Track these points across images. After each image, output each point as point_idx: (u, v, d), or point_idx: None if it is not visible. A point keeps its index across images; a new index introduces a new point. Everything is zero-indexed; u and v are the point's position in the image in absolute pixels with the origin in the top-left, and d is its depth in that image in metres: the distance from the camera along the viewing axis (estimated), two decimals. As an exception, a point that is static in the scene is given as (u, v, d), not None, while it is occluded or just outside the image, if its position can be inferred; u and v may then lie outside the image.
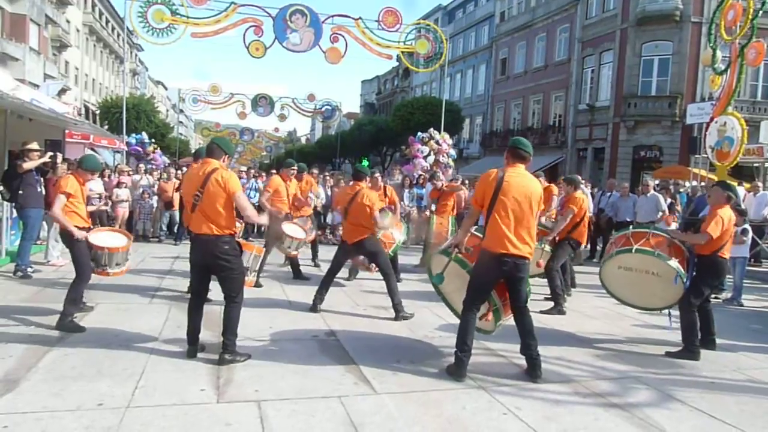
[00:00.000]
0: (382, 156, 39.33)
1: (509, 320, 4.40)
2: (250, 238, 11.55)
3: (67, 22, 36.16)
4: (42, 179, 7.86)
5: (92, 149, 19.74)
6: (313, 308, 5.99)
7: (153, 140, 20.93)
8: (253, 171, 15.55)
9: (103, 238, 5.37)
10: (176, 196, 11.22)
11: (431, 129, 16.29)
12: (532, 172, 4.48)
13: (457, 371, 4.12)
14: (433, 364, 4.44)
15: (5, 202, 7.89)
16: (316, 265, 8.89)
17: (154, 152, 18.95)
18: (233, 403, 3.55)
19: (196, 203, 4.16)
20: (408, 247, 10.80)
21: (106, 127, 28.13)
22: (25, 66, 26.45)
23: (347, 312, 6.11)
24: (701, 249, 5.04)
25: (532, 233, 4.17)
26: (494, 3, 35.07)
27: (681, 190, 13.39)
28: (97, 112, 34.75)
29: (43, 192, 7.74)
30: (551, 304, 6.57)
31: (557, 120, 28.45)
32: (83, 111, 33.05)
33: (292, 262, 7.97)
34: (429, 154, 15.48)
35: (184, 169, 14.10)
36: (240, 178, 10.51)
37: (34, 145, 7.52)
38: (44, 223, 8.20)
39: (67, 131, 12.98)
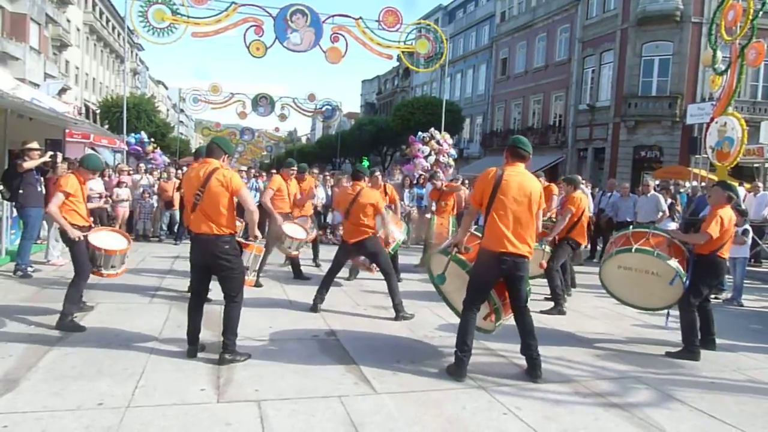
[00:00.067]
0: (382, 156, 39.33)
1: (509, 320, 4.40)
2: (250, 238, 11.53)
3: (68, 21, 36.16)
4: (42, 178, 7.87)
5: (92, 149, 19.73)
6: (314, 308, 6.00)
7: (152, 140, 20.93)
8: (253, 171, 15.55)
9: (103, 238, 5.37)
10: (176, 196, 11.23)
11: (432, 129, 16.29)
12: (532, 172, 4.47)
13: (457, 371, 4.12)
14: (433, 364, 4.44)
15: (5, 202, 7.90)
16: (317, 266, 8.89)
17: (153, 152, 18.96)
18: (233, 402, 3.55)
19: (197, 203, 4.16)
20: (408, 246, 10.81)
21: (107, 126, 28.12)
22: (26, 65, 26.45)
23: (347, 312, 6.12)
24: (700, 248, 5.04)
25: (531, 232, 4.17)
26: (495, 3, 35.07)
27: (681, 190, 13.39)
28: (98, 111, 34.75)
29: (44, 191, 7.74)
30: (551, 304, 6.57)
31: (557, 120, 28.45)
32: (83, 110, 33.04)
33: (293, 261, 7.97)
34: (429, 154, 15.48)
35: (185, 168, 14.10)
36: (240, 177, 10.50)
37: (35, 145, 7.53)
38: (44, 222, 8.20)
39: (67, 131, 12.98)
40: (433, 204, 9.24)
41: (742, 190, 11.57)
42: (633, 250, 5.36)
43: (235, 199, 4.26)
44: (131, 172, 12.78)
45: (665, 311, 5.66)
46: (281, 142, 58.28)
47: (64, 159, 8.90)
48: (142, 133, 20.34)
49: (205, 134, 42.48)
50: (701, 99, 20.42)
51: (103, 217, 10.16)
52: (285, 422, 3.30)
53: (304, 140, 76.19)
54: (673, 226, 9.70)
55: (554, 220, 7.35)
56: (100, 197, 8.79)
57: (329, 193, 12.60)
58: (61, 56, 35.08)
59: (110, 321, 5.27)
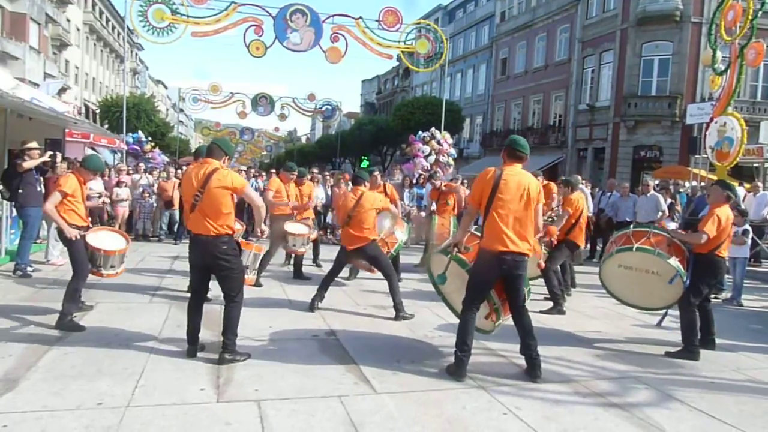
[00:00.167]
0: (382, 156, 39.33)
1: (509, 320, 4.40)
2: (250, 238, 11.55)
3: (68, 21, 36.13)
4: (42, 178, 7.87)
5: (92, 148, 19.73)
6: (311, 307, 6.00)
7: (150, 138, 20.93)
8: (253, 170, 15.55)
9: (102, 239, 5.36)
10: (176, 195, 11.22)
11: (432, 128, 16.28)
12: (532, 171, 4.48)
13: (457, 371, 4.12)
14: (433, 364, 4.44)
15: (5, 201, 7.89)
16: (318, 266, 8.90)
17: (152, 150, 18.96)
18: (233, 402, 3.55)
19: (196, 203, 4.15)
20: (408, 246, 10.81)
21: (107, 126, 28.11)
22: (25, 65, 26.42)
23: (347, 311, 6.12)
24: (699, 248, 5.05)
25: (530, 230, 4.17)
26: (494, 3, 35.07)
27: (681, 190, 13.39)
28: (97, 111, 34.76)
29: (43, 191, 7.74)
30: (551, 304, 6.57)
31: (557, 120, 28.45)
32: (83, 110, 33.03)
33: (296, 261, 8.00)
34: (430, 154, 15.48)
35: (184, 168, 14.09)
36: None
37: (34, 144, 7.52)
38: (44, 222, 8.20)
39: (67, 130, 12.96)
40: (433, 204, 9.24)
41: (741, 190, 11.58)
42: (634, 248, 5.36)
43: (236, 199, 4.26)
44: (131, 172, 12.78)
45: (663, 311, 5.67)
46: (281, 142, 58.24)
47: (64, 158, 8.90)
48: (140, 132, 20.33)
49: (204, 134, 42.44)
50: (701, 99, 20.43)
51: (103, 217, 10.16)
52: (285, 422, 3.30)
53: (303, 140, 76.14)
54: (672, 226, 9.70)
55: (554, 218, 7.35)
56: (100, 197, 8.79)
57: (329, 193, 12.60)
58: (61, 56, 35.06)
59: (110, 320, 5.27)
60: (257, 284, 6.91)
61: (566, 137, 27.23)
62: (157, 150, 20.06)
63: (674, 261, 5.14)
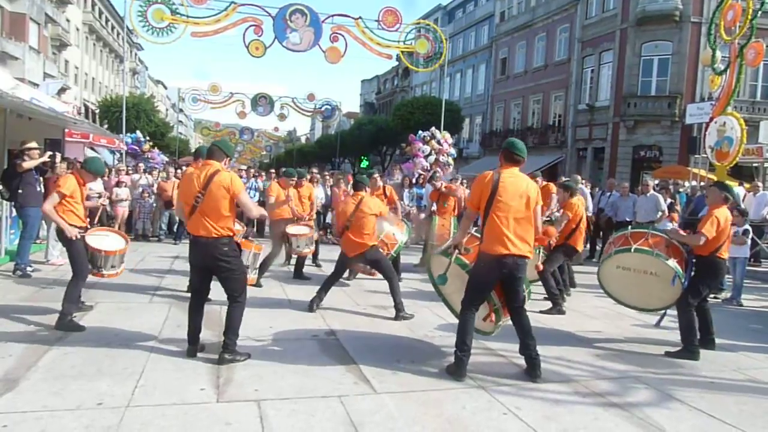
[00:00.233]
0: (381, 155, 39.33)
1: (509, 320, 4.40)
2: (250, 238, 11.54)
3: (67, 21, 36.12)
4: (41, 178, 7.86)
5: (92, 148, 19.72)
6: (310, 308, 5.99)
7: (148, 138, 20.92)
8: (252, 170, 15.55)
9: (101, 239, 5.36)
10: (176, 195, 11.20)
11: (433, 128, 16.27)
12: (531, 171, 4.49)
13: (456, 371, 4.13)
14: (433, 364, 4.45)
15: (5, 201, 7.89)
16: (318, 266, 8.90)
17: (150, 150, 18.95)
18: (233, 402, 3.55)
19: (197, 205, 4.15)
20: (408, 246, 10.80)
21: (106, 126, 28.11)
22: (25, 65, 26.41)
23: (347, 311, 6.12)
24: (699, 249, 5.05)
25: (530, 232, 4.18)
26: (494, 3, 35.07)
27: (680, 190, 13.40)
28: (97, 111, 34.73)
29: (43, 191, 7.74)
30: (550, 304, 6.57)
31: (557, 120, 28.46)
32: (83, 110, 33.03)
33: (297, 261, 8.01)
34: (430, 153, 15.47)
35: (184, 168, 14.09)
36: (240, 177, 10.53)
37: (34, 144, 7.52)
38: (44, 222, 8.20)
39: (66, 130, 12.95)
40: (433, 205, 9.24)
41: (741, 190, 11.59)
42: (632, 249, 5.36)
43: (235, 203, 4.26)
44: (130, 172, 12.77)
45: (662, 311, 5.67)
46: (280, 142, 58.22)
47: (63, 159, 8.90)
48: (138, 132, 20.32)
49: (204, 134, 42.42)
50: (700, 99, 20.43)
51: (102, 217, 10.15)
52: (285, 422, 3.30)
53: (303, 140, 76.12)
54: (672, 226, 9.71)
55: (552, 219, 7.35)
56: (100, 197, 8.79)
57: (328, 193, 12.60)
58: (61, 56, 35.05)
59: (110, 320, 5.27)
60: (257, 284, 6.91)
61: (566, 137, 27.24)
62: (155, 150, 20.03)
63: (672, 262, 5.14)
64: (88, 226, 5.51)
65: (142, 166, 13.96)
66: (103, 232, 5.63)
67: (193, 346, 4.33)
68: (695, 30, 21.86)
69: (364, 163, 39.96)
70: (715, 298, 7.74)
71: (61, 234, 5.17)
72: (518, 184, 4.12)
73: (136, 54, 57.95)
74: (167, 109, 66.24)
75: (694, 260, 5.14)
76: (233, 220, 4.30)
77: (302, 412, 3.43)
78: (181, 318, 4.97)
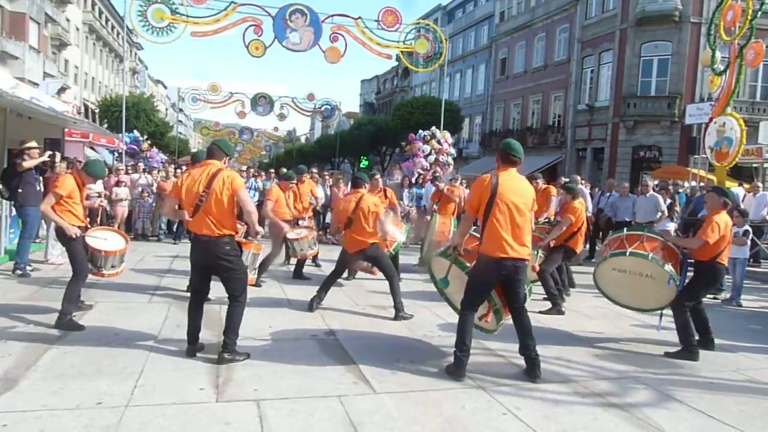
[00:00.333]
0: (381, 155, 39.32)
1: (509, 319, 4.40)
2: (249, 237, 11.54)
3: (67, 20, 36.10)
4: (41, 178, 7.86)
5: (92, 148, 19.71)
6: (310, 307, 5.99)
7: (146, 137, 20.92)
8: (252, 170, 15.55)
9: (101, 239, 5.36)
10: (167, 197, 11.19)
11: (433, 127, 16.28)
12: (530, 172, 4.50)
13: (456, 371, 4.13)
14: (433, 364, 4.45)
15: (4, 201, 7.89)
16: (317, 266, 8.90)
17: (149, 149, 18.93)
18: (232, 402, 3.55)
19: (200, 204, 4.15)
20: (408, 246, 10.81)
21: (106, 125, 28.11)
22: (25, 64, 26.40)
23: (347, 311, 6.12)
24: (700, 255, 5.05)
25: (528, 235, 4.19)
26: (494, 3, 35.07)
27: (680, 190, 13.41)
28: (97, 110, 34.71)
29: (42, 190, 7.73)
30: (550, 304, 6.57)
31: (556, 120, 28.46)
32: (83, 110, 33.01)
33: (298, 261, 8.03)
34: (430, 153, 15.48)
35: (184, 167, 14.10)
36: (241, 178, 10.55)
37: (33, 144, 7.52)
38: (43, 221, 8.19)
39: (66, 130, 12.95)
40: (434, 206, 9.24)
41: (741, 191, 11.60)
42: (627, 253, 5.34)
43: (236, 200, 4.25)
44: (129, 171, 12.77)
45: (658, 312, 5.67)
46: (280, 142, 58.20)
47: (63, 158, 8.89)
48: (135, 131, 20.33)
49: (204, 134, 42.38)
50: (700, 99, 20.44)
51: (102, 217, 10.15)
52: (284, 422, 3.30)
53: (303, 140, 76.11)
54: (671, 226, 9.71)
55: (552, 221, 7.34)
56: (99, 196, 8.79)
57: (328, 193, 12.60)
58: (61, 55, 35.03)
59: (109, 320, 5.26)
60: (257, 284, 6.92)
61: (565, 137, 27.24)
62: (154, 149, 20.04)
63: (668, 266, 5.14)
64: (88, 226, 5.51)
65: (141, 165, 13.95)
66: (103, 231, 5.62)
67: (193, 346, 4.33)
68: (695, 30, 21.87)
69: (364, 163, 39.95)
70: (714, 298, 7.75)
71: (60, 234, 5.17)
72: (517, 187, 4.14)
73: (135, 53, 57.92)
74: (167, 109, 66.21)
75: (691, 263, 5.14)
76: (235, 220, 4.29)
77: (301, 412, 3.43)
78: (180, 317, 4.97)
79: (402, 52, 17.36)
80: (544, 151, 27.54)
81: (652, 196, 10.26)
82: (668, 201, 10.60)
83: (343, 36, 15.98)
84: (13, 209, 7.96)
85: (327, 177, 14.03)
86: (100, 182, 10.47)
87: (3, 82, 8.72)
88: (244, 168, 16.85)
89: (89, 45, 42.39)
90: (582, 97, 26.32)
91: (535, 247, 6.51)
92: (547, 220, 7.81)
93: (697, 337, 5.12)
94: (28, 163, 7.29)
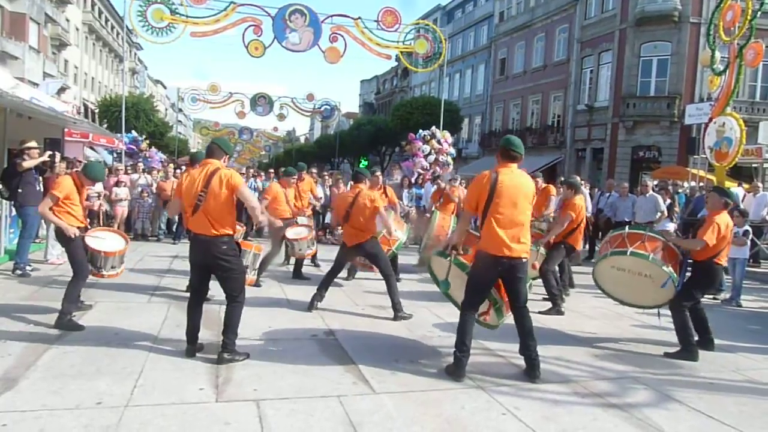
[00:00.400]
0: (381, 156, 39.33)
1: (511, 317, 4.40)
2: (249, 238, 11.55)
3: (67, 20, 36.09)
4: (41, 177, 7.86)
5: (91, 148, 19.70)
6: (310, 307, 6.00)
7: (144, 136, 20.92)
8: (252, 170, 15.55)
9: (101, 240, 5.35)
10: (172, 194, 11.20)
11: (433, 127, 16.29)
12: (531, 171, 4.48)
13: (455, 371, 4.13)
14: (432, 364, 4.45)
15: (4, 201, 7.89)
16: (317, 266, 8.90)
17: (148, 149, 18.93)
18: (232, 402, 3.55)
19: (199, 203, 4.15)
20: (407, 246, 10.81)
21: (106, 125, 28.10)
22: (25, 64, 26.40)
23: (346, 311, 6.12)
24: (698, 255, 5.04)
25: (527, 233, 4.18)
26: (493, 3, 35.08)
27: (680, 190, 13.41)
28: (97, 110, 34.70)
29: (42, 190, 7.73)
30: (549, 304, 6.57)
31: (556, 120, 28.47)
32: (82, 110, 32.99)
33: (296, 261, 8.02)
34: (430, 153, 15.49)
35: (183, 167, 14.08)
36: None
37: (33, 144, 7.52)
38: (43, 221, 8.18)
39: (66, 130, 12.95)
40: (434, 205, 9.25)
41: (741, 191, 11.60)
42: (628, 253, 5.34)
43: (235, 198, 4.25)
44: (129, 171, 12.77)
45: (656, 310, 5.67)
46: (280, 142, 58.17)
47: (63, 158, 8.89)
48: (134, 132, 20.35)
49: (203, 134, 42.36)
50: (699, 99, 20.45)
51: (101, 217, 10.15)
52: (284, 422, 3.30)
53: (302, 140, 76.09)
54: (671, 226, 9.71)
55: (552, 219, 7.34)
56: (99, 197, 8.79)
57: (327, 193, 12.60)
58: (60, 55, 35.03)
59: (109, 320, 5.26)
60: (257, 284, 6.92)
61: (565, 137, 27.24)
62: (153, 149, 20.04)
63: (668, 268, 5.13)
64: (88, 227, 5.51)
65: (141, 165, 13.94)
66: (103, 232, 5.62)
67: (192, 346, 4.33)
68: (694, 30, 21.88)
69: (363, 164, 39.93)
70: (714, 298, 7.75)
71: (60, 235, 5.17)
72: (517, 184, 4.10)
73: (135, 54, 57.90)
74: (166, 109, 66.20)
75: (690, 262, 5.14)
76: (234, 219, 4.30)
77: (301, 412, 3.43)
78: (180, 317, 4.96)
79: (401, 52, 17.35)
80: (543, 152, 27.55)
81: (652, 196, 10.27)
82: (668, 201, 10.60)
83: (342, 36, 15.98)
84: (13, 209, 7.95)
85: (326, 177, 14.03)
86: (100, 183, 10.51)
87: (3, 82, 8.72)
88: (244, 168, 16.83)
89: (89, 45, 42.38)
90: (581, 98, 26.33)
91: (536, 244, 6.53)
92: (546, 219, 7.81)
93: (696, 338, 5.13)
94: (28, 163, 7.29)
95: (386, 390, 3.86)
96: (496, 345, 4.91)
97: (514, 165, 4.19)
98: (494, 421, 3.47)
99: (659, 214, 9.95)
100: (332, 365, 4.32)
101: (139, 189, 11.93)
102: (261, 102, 30.50)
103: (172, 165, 14.48)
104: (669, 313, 5.26)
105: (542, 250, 6.79)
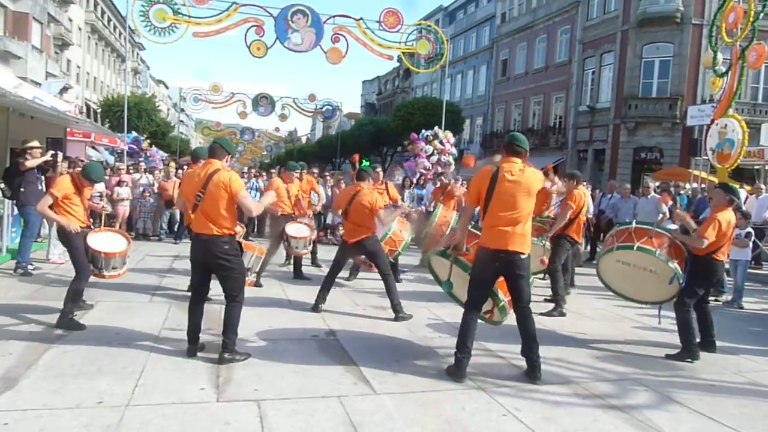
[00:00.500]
0: (382, 156, 39.33)
1: (509, 320, 4.40)
2: (250, 238, 11.56)
3: (70, 20, 36.17)
4: (43, 177, 7.88)
5: (93, 147, 19.75)
6: (315, 308, 6.00)
7: (145, 136, 20.98)
8: (253, 171, 15.56)
9: (102, 240, 5.35)
10: (176, 195, 11.22)
11: (436, 127, 16.29)
12: (541, 168, 4.46)
13: (456, 372, 4.12)
14: (433, 365, 4.45)
15: (6, 200, 7.91)
16: (318, 266, 8.89)
17: (149, 148, 18.98)
18: (233, 402, 3.55)
19: (198, 203, 4.16)
20: (408, 246, 10.79)
21: (108, 125, 28.16)
22: (28, 64, 26.44)
23: (347, 312, 6.12)
24: (697, 250, 5.04)
25: (526, 227, 4.12)
26: (495, 4, 35.09)
27: (681, 192, 13.39)
28: (99, 110, 34.77)
29: (44, 190, 7.75)
30: (551, 305, 6.55)
31: (558, 121, 28.46)
32: (85, 109, 33.06)
33: (295, 261, 8.01)
34: (432, 153, 15.49)
35: (185, 167, 14.10)
36: (241, 177, 10.55)
37: (35, 143, 7.54)
38: (45, 220, 8.20)
39: (68, 129, 13.01)
40: (433, 202, 9.26)
41: (743, 192, 11.58)
42: (635, 248, 5.31)
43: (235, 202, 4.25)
44: (131, 171, 12.79)
45: (657, 312, 5.66)
46: (281, 142, 58.24)
47: (65, 158, 8.92)
48: (133, 132, 20.41)
49: (205, 134, 42.47)
50: (701, 101, 20.44)
51: (103, 217, 10.17)
52: (284, 422, 3.30)
53: (304, 140, 76.15)
54: (672, 228, 9.69)
55: (552, 217, 7.32)
56: (101, 197, 8.80)
57: (329, 193, 12.60)
58: (63, 55, 35.10)
59: (110, 319, 5.27)
60: (257, 284, 6.92)
61: (566, 139, 27.23)
62: (154, 148, 20.10)
63: (673, 263, 5.12)
64: (91, 227, 5.51)
65: (143, 165, 13.96)
66: (105, 232, 5.62)
67: (193, 346, 4.33)
68: (696, 32, 21.85)
69: (366, 164, 39.91)
70: (716, 300, 7.74)
71: (62, 235, 5.17)
72: (518, 178, 4.04)
73: (137, 54, 57.97)
74: (168, 109, 66.25)
75: (691, 260, 5.14)
76: (234, 220, 4.29)
77: (302, 412, 3.43)
78: (181, 317, 4.97)
79: (403, 53, 17.37)
80: (545, 153, 27.50)
81: (653, 197, 10.26)
82: (669, 203, 10.58)
83: (344, 37, 15.99)
84: (15, 208, 7.97)
85: (328, 177, 14.03)
86: (102, 182, 10.52)
87: (6, 81, 8.75)
88: (246, 168, 16.85)
89: (91, 45, 42.46)
90: (583, 99, 26.32)
91: (542, 237, 6.51)
92: (544, 218, 7.80)
93: (698, 339, 5.11)
94: (30, 163, 7.31)
95: (387, 390, 3.86)
96: (497, 346, 4.91)
97: (518, 160, 4.16)
98: (495, 422, 3.47)
99: (661, 215, 9.93)
100: (333, 365, 4.32)
101: (141, 189, 11.94)
102: (263, 102, 30.53)
103: (173, 164, 14.48)
104: (671, 314, 5.26)
105: (548, 244, 6.76)
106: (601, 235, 11.47)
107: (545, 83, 29.13)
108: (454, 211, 8.91)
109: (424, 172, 14.78)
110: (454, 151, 16.53)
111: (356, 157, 8.75)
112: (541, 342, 4.34)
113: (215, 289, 4.57)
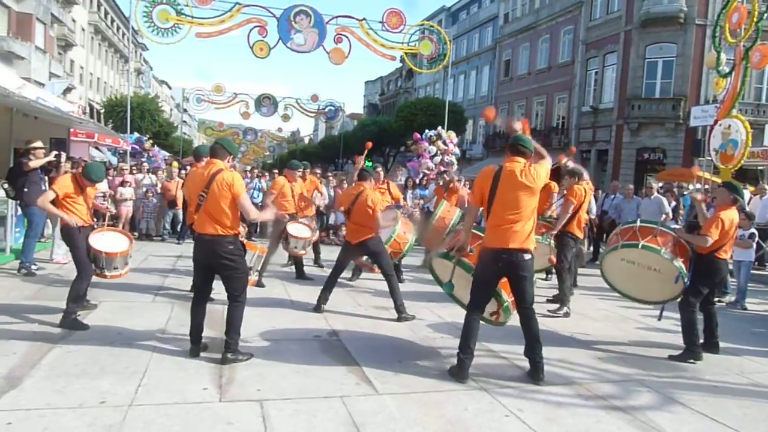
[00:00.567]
0: (384, 157, 39.35)
1: (510, 320, 4.40)
2: (253, 238, 11.57)
3: (73, 21, 36.30)
4: (46, 177, 7.90)
5: (96, 148, 19.79)
6: (317, 309, 6.01)
7: (148, 136, 21.02)
8: (256, 171, 15.59)
9: (104, 240, 5.36)
10: (179, 195, 11.26)
11: (439, 128, 16.29)
12: (554, 165, 4.45)
13: (459, 373, 4.12)
14: (435, 365, 4.44)
15: (10, 200, 7.93)
16: (320, 266, 8.90)
17: (152, 148, 19.03)
18: (235, 402, 3.56)
19: (201, 203, 4.17)
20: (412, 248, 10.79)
21: (111, 126, 28.22)
22: (31, 65, 26.55)
23: (349, 312, 6.12)
24: (700, 248, 5.03)
25: (528, 227, 4.09)
26: (498, 4, 35.06)
27: (684, 192, 13.35)
28: (102, 111, 34.85)
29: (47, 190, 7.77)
30: (554, 305, 6.53)
31: (561, 122, 28.43)
32: (88, 110, 33.14)
33: (296, 261, 8.01)
34: (436, 154, 15.49)
35: (188, 168, 14.12)
36: (243, 178, 10.56)
37: (39, 144, 7.56)
38: (49, 220, 8.23)
39: (71, 130, 13.03)
40: (435, 197, 9.29)
41: (747, 193, 11.54)
42: (640, 246, 5.28)
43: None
44: (134, 171, 12.82)
45: (658, 311, 5.65)
46: (284, 143, 58.39)
47: (68, 158, 8.94)
48: (136, 133, 20.48)
49: (208, 134, 42.58)
50: (705, 101, 20.38)
51: (106, 217, 10.19)
52: (287, 422, 3.30)
53: (307, 141, 76.26)
54: (676, 228, 9.67)
55: (555, 217, 7.30)
56: (104, 197, 8.83)
57: (331, 194, 12.60)
58: (66, 56, 35.23)
59: (113, 319, 5.28)
60: (260, 284, 6.93)
61: (569, 139, 27.17)
62: (156, 147, 20.16)
63: (678, 262, 5.11)
64: (94, 226, 5.52)
65: (146, 165, 13.99)
66: (107, 232, 5.63)
67: (196, 346, 4.34)
68: (700, 32, 21.79)
69: (368, 164, 39.96)
70: (719, 301, 7.71)
71: (65, 234, 5.18)
72: (521, 176, 4.01)
73: (140, 54, 58.08)
74: (171, 109, 66.38)
75: (694, 259, 5.13)
76: (237, 219, 4.30)
77: (304, 413, 3.44)
78: (183, 317, 4.98)
79: (406, 53, 17.40)
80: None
81: (656, 198, 10.24)
82: (673, 203, 10.56)
83: (347, 37, 16.02)
84: (19, 208, 7.99)
85: (330, 178, 14.04)
86: (105, 182, 10.55)
87: (9, 82, 8.78)
88: (248, 168, 16.88)
89: (95, 45, 42.60)
90: (586, 99, 26.27)
91: (547, 235, 6.49)
92: (550, 217, 7.79)
93: (701, 340, 5.10)
94: (33, 163, 7.32)
95: (389, 391, 3.86)
96: (500, 347, 4.90)
97: (522, 159, 4.14)
98: (497, 422, 3.47)
99: (664, 216, 9.91)
100: (335, 366, 4.33)
101: (144, 189, 11.97)
102: (265, 103, 30.58)
103: (176, 164, 14.51)
104: (674, 315, 5.25)
105: (553, 243, 6.74)
106: (604, 235, 11.46)
107: (548, 84, 29.09)
108: (457, 207, 8.91)
109: (428, 172, 14.78)
110: (457, 151, 16.53)
111: (369, 144, 8.83)
112: (544, 343, 4.33)
113: (217, 289, 4.58)
